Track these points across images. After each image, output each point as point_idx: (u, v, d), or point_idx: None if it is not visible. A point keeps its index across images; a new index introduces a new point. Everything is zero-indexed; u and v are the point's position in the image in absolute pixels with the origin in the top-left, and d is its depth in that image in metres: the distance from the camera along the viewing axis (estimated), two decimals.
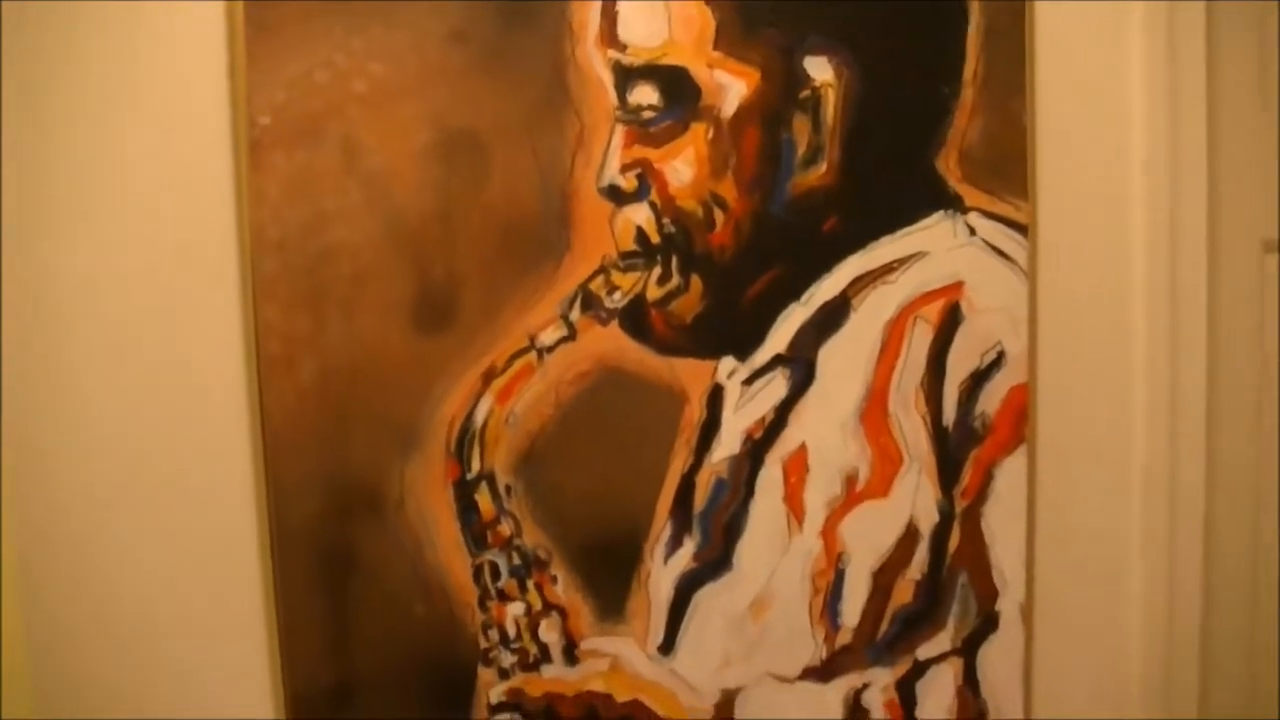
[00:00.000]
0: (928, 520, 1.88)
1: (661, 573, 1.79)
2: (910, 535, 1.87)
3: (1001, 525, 1.91)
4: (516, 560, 1.74)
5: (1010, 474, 1.91)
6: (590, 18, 1.65)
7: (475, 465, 1.69)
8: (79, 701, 1.65)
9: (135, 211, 1.56)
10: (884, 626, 1.89)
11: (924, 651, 1.91)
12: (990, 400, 1.84)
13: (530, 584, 1.75)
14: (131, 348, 1.56)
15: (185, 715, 1.65)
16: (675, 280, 1.74)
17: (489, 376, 1.63)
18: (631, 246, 1.73)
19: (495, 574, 1.74)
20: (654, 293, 1.73)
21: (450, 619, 1.71)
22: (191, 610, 1.64)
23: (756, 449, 1.78)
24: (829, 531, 1.85)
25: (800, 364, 1.77)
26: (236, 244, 1.52)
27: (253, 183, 1.57)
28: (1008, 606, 1.93)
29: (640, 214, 1.73)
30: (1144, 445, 1.96)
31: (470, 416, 1.67)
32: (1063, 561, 1.93)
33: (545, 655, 1.77)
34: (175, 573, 1.65)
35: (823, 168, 1.76)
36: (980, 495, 1.88)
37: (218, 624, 1.63)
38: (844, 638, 1.88)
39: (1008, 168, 1.81)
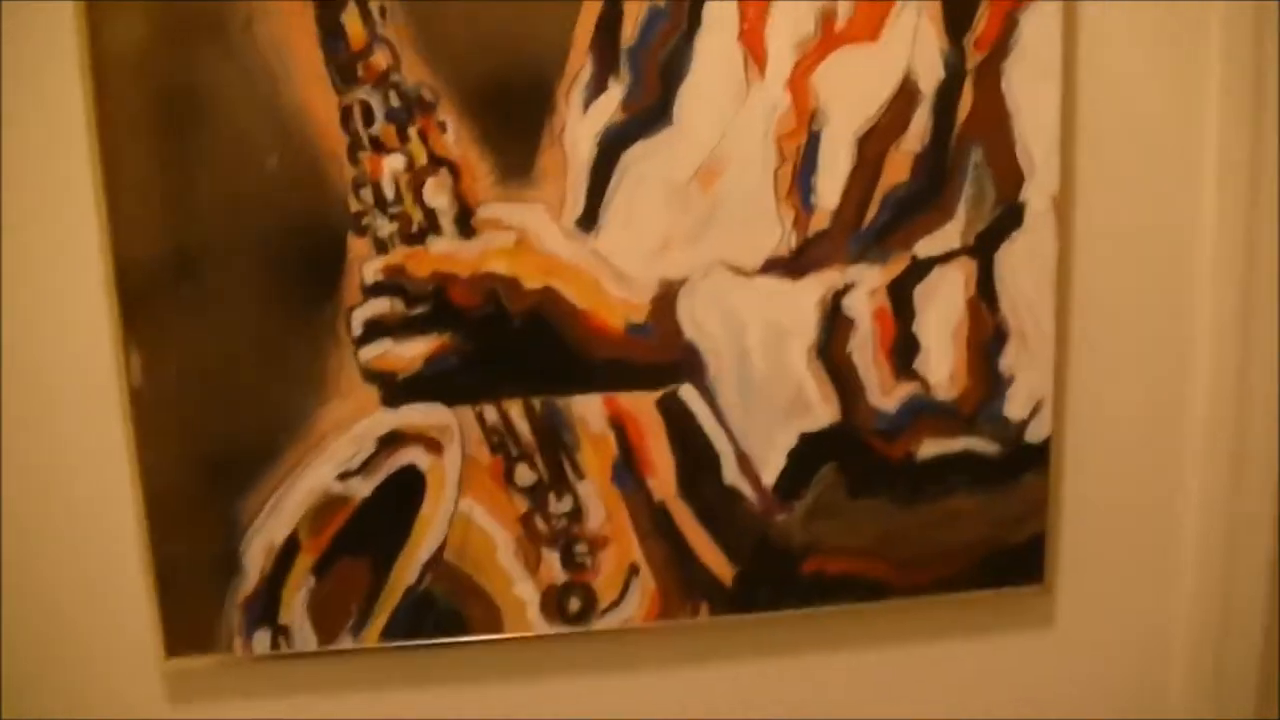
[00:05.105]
0: (930, 75, 1.46)
1: (580, 124, 1.40)
2: (907, 93, 1.47)
3: (1028, 88, 1.48)
4: (395, 101, 1.37)
5: (1041, 20, 1.47)
6: None
7: None
8: None
9: None
10: (872, 211, 1.48)
11: (925, 248, 1.50)
12: None
13: (412, 132, 1.37)
14: None
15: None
16: None
17: None
18: None
19: (368, 117, 1.38)
20: None
21: (312, 174, 1.35)
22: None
23: None
24: (799, 82, 1.45)
25: None
26: None
27: None
28: (1036, 197, 1.51)
29: None
30: None
31: None
32: (1110, 140, 1.48)
33: (433, 224, 1.40)
34: None
35: None
36: (1000, 47, 1.47)
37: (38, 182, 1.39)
38: (819, 222, 1.48)
39: None
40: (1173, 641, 1.65)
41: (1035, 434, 1.55)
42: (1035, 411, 1.55)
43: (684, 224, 1.45)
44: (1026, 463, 1.56)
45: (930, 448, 1.54)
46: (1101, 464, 1.57)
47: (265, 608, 1.46)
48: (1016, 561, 1.59)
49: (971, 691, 1.64)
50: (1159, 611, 1.62)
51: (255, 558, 1.46)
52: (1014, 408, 1.54)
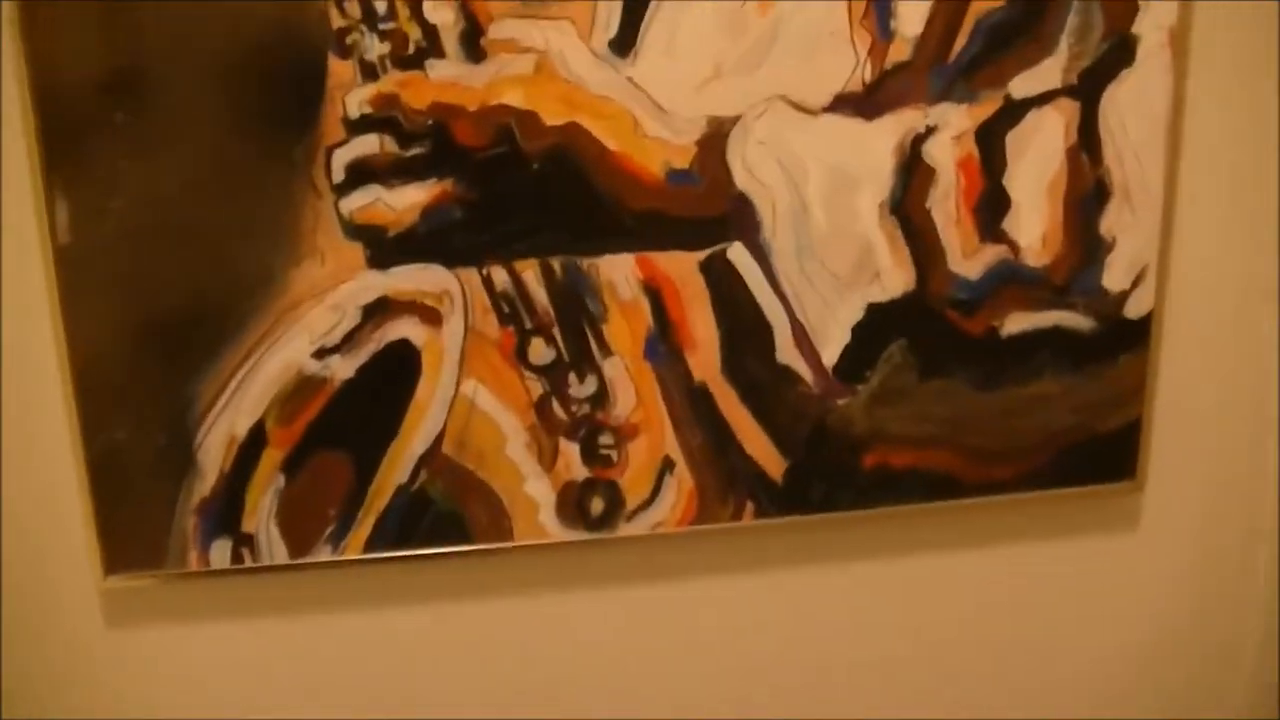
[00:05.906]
0: None
1: None
2: None
3: None
4: None
5: None
6: None
7: None
8: None
9: None
10: (960, 41, 1.25)
11: (1020, 86, 1.28)
12: None
13: None
14: None
15: None
16: None
17: None
18: None
19: None
20: None
21: None
22: None
23: None
24: None
25: None
26: None
27: None
28: (1151, 31, 1.28)
29: None
30: None
31: None
32: None
33: (433, 45, 1.15)
34: None
35: None
36: None
37: None
38: (898, 52, 1.24)
39: None
40: (1264, 545, 1.47)
41: (1136, 308, 1.36)
42: (1137, 282, 1.36)
43: (738, 50, 1.21)
44: (1124, 341, 1.37)
45: (1016, 322, 1.34)
46: (1204, 346, 1.40)
47: (225, 513, 1.24)
48: (1104, 454, 1.41)
49: (1046, 598, 1.48)
50: (1252, 514, 1.49)
51: (213, 452, 1.23)
52: (1113, 277, 1.35)
